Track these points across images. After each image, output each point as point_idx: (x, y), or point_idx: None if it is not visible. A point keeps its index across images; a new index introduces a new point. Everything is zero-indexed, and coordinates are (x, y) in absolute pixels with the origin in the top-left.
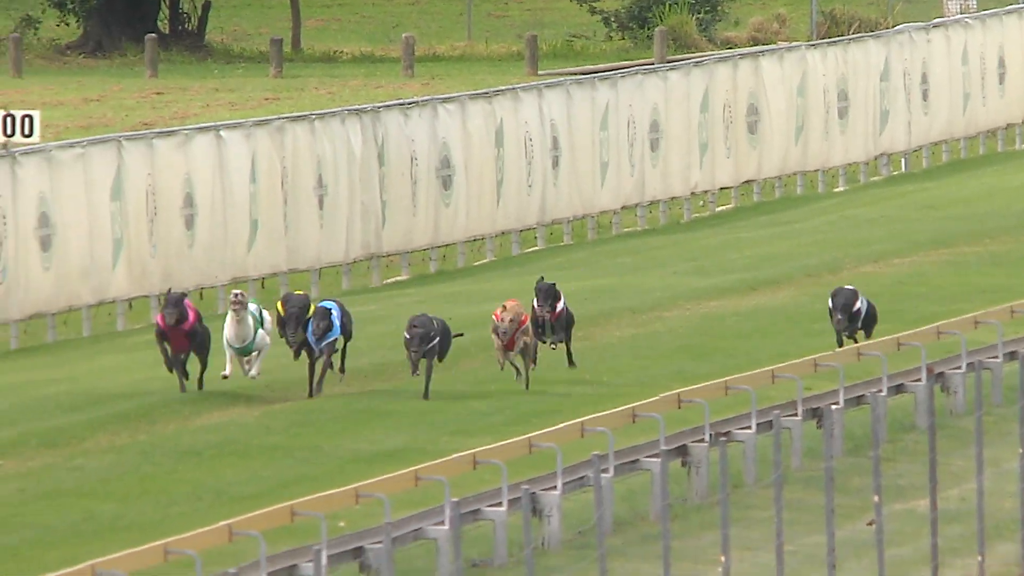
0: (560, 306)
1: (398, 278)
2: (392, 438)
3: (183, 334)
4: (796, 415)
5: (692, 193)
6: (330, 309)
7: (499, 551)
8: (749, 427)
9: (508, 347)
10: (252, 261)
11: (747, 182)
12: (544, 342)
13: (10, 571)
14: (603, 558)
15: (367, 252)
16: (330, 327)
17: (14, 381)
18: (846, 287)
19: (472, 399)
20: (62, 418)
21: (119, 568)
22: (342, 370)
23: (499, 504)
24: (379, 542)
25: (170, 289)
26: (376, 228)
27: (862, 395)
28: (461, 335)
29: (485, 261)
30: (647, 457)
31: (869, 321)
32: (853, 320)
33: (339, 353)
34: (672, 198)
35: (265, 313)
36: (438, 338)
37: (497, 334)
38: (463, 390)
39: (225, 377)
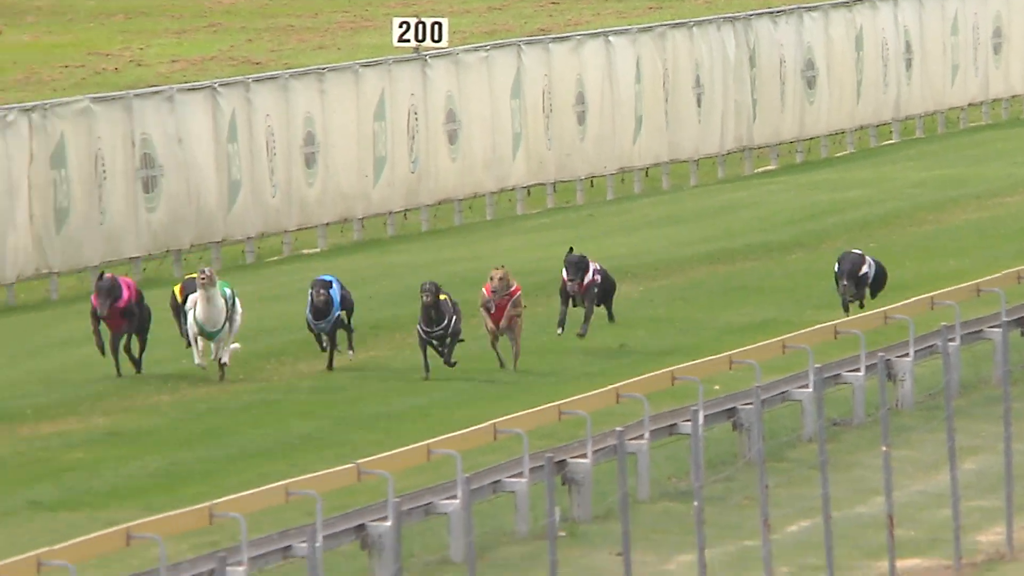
0: (588, 277)
1: (767, 167)
2: (762, 311)
3: (118, 312)
4: None
5: None
6: (330, 282)
7: (857, 411)
8: None
9: (496, 319)
10: (637, 152)
11: None
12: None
13: (420, 429)
14: (950, 418)
15: (739, 144)
16: (329, 304)
17: (426, 259)
18: (853, 251)
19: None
20: (468, 292)
21: (519, 426)
22: (350, 347)
23: (857, 370)
24: (750, 403)
25: (102, 273)
26: (748, 123)
27: None
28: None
29: (845, 152)
30: (990, 327)
31: (877, 283)
32: (860, 285)
33: (345, 330)
34: (1013, 96)
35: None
36: (455, 318)
37: (486, 309)
38: (826, 268)
39: (203, 368)
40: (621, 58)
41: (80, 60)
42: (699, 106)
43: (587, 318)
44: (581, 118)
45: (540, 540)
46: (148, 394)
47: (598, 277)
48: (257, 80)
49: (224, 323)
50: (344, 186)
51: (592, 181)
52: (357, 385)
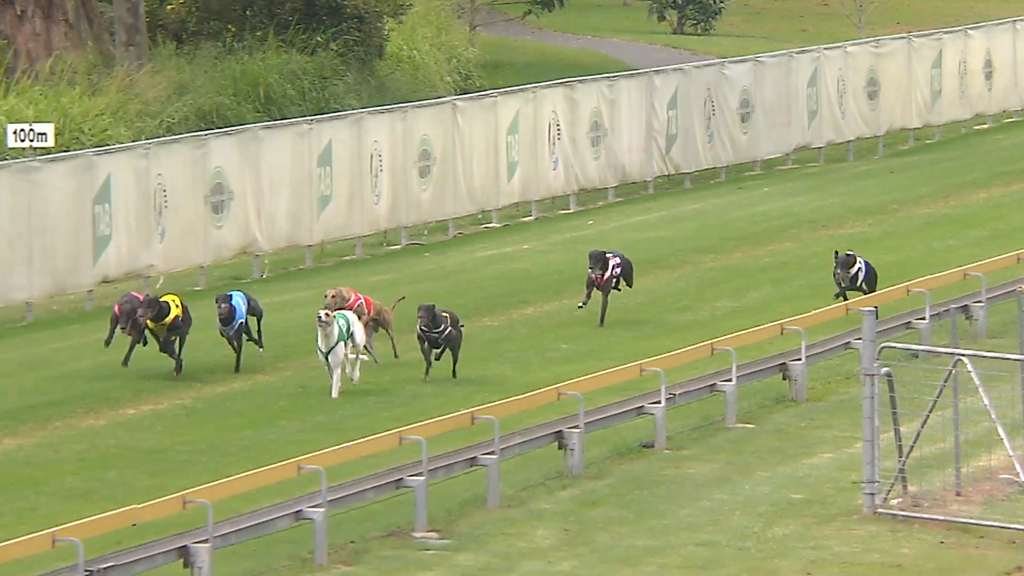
0: (607, 274)
1: None
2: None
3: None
4: None
5: None
6: (230, 296)
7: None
8: None
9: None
10: None
11: None
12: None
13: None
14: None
15: None
16: (231, 312)
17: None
18: (848, 252)
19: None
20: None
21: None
22: (260, 345)
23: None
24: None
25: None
26: None
27: None
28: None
29: None
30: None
31: (869, 280)
32: (853, 280)
33: (256, 332)
34: None
35: (356, 326)
36: (449, 328)
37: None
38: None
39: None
40: None
41: None
42: None
43: (604, 308)
44: None
45: None
46: None
47: (617, 270)
48: None
49: (332, 346)
50: None
51: None
52: None
